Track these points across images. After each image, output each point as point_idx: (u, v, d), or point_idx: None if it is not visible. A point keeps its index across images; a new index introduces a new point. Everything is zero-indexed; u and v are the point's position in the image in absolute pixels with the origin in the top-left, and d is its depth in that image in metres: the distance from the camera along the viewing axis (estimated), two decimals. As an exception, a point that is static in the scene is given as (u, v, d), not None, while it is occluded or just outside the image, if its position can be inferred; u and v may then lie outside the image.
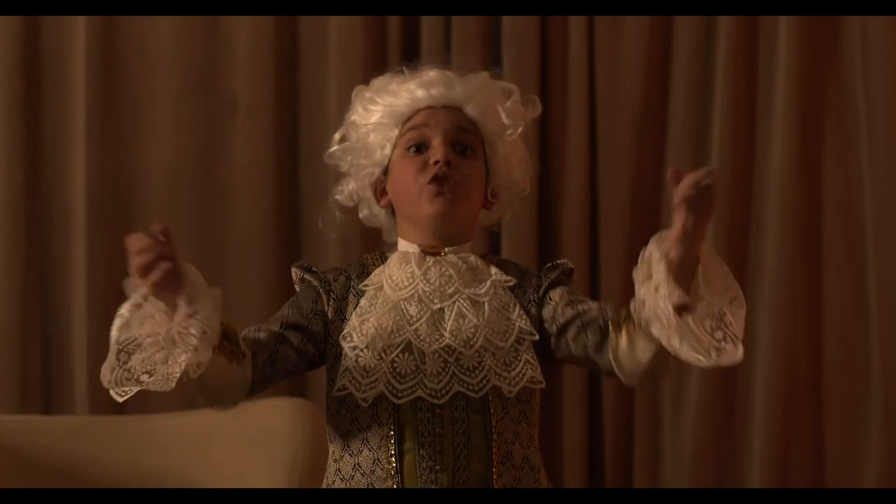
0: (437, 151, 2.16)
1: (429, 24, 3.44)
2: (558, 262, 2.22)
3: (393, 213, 2.25)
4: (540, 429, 2.19)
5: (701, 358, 1.87)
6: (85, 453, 3.01)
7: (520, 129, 2.24)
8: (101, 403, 3.37)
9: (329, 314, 2.15)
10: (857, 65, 3.46)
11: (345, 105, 2.26)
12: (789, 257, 3.43)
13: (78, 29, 3.41)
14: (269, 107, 3.46)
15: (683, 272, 1.88)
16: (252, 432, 2.97)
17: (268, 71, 3.46)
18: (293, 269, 2.22)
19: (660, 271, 1.89)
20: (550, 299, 2.15)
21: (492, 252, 3.28)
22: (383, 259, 2.21)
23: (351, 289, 2.16)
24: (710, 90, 3.47)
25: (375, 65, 3.35)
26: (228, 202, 3.47)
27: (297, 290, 2.21)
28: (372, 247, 2.26)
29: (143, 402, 3.40)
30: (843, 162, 3.49)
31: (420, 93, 2.20)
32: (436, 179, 2.14)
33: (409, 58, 3.35)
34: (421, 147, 2.18)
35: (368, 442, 2.09)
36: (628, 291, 3.40)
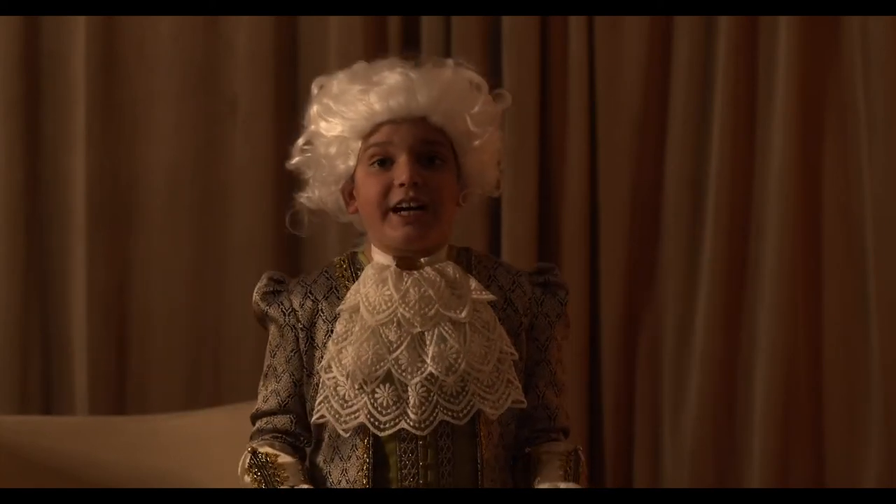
0: (401, 172, 2.07)
1: (429, 24, 3.44)
2: (560, 291, 2.18)
3: None
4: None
5: None
6: (85, 454, 3.00)
7: (487, 134, 2.13)
8: (101, 404, 3.37)
9: (302, 347, 2.13)
10: (857, 65, 3.45)
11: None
12: (789, 257, 3.43)
13: (78, 29, 3.40)
14: (269, 107, 3.46)
15: None
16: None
17: (268, 71, 3.46)
18: (254, 300, 2.20)
19: None
20: (541, 360, 2.15)
21: (491, 254, 3.29)
22: (353, 265, 2.16)
23: (319, 313, 2.12)
24: (710, 90, 3.47)
25: (375, 65, 3.35)
26: (228, 202, 3.46)
27: (263, 326, 2.20)
28: (340, 249, 2.23)
29: (144, 403, 3.41)
30: (843, 162, 3.48)
31: (379, 106, 2.08)
32: (400, 209, 2.07)
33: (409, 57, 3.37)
34: (385, 161, 2.10)
35: (347, 473, 2.07)
36: (628, 292, 3.45)
